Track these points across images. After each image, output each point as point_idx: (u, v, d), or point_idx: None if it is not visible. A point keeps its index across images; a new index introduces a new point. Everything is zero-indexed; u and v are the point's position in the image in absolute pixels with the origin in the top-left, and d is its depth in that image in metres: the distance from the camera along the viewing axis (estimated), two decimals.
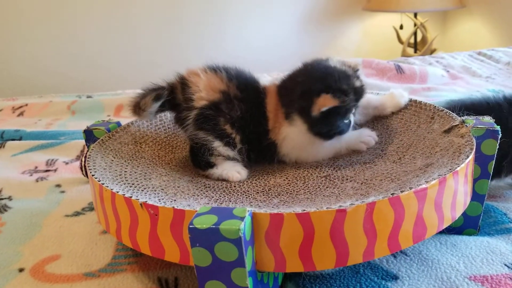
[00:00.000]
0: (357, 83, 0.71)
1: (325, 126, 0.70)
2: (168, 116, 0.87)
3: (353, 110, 0.73)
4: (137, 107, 0.73)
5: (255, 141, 0.73)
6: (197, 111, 0.71)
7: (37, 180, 1.00)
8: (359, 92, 0.71)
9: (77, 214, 0.84)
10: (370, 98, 0.80)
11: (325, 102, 0.67)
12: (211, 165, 0.73)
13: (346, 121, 0.71)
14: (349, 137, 0.75)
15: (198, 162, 0.74)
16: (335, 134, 0.72)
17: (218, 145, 0.72)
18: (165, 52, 2.56)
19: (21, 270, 0.68)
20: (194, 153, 0.74)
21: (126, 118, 1.23)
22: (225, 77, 0.72)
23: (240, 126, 0.72)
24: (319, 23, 2.81)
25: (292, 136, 0.73)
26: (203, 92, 0.71)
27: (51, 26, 2.43)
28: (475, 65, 1.73)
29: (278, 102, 0.73)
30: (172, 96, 0.74)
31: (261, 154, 0.75)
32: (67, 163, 1.08)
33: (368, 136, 0.77)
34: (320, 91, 0.68)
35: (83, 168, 0.95)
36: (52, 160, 1.10)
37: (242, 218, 0.46)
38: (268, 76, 1.85)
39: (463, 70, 1.69)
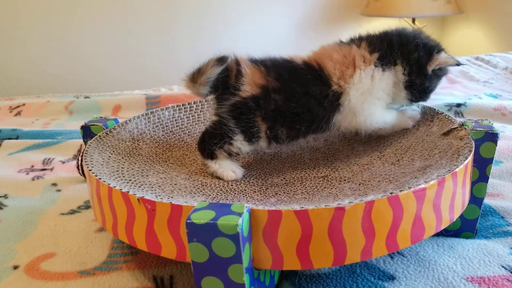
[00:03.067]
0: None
1: (428, 84, 0.76)
2: (166, 114, 0.87)
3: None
4: (196, 73, 0.71)
5: (305, 113, 0.72)
6: (239, 98, 0.71)
7: (33, 179, 1.00)
8: None
9: (72, 212, 0.84)
10: None
11: (447, 60, 0.74)
12: (213, 157, 0.72)
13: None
14: (397, 115, 0.78)
15: (203, 148, 0.73)
16: (424, 96, 0.77)
17: (239, 138, 0.72)
18: (161, 54, 2.56)
19: (15, 267, 0.68)
20: (206, 138, 0.73)
21: (123, 118, 1.23)
22: (264, 71, 0.72)
23: (272, 117, 0.71)
24: (317, 27, 2.82)
25: (375, 81, 0.73)
26: (248, 86, 0.71)
27: (49, 28, 2.43)
28: (473, 70, 1.74)
29: (354, 50, 0.75)
30: (227, 79, 0.72)
31: (315, 119, 0.73)
32: (63, 162, 1.08)
33: (413, 111, 0.79)
34: (440, 50, 0.75)
35: (80, 167, 0.95)
36: (49, 159, 1.10)
37: (240, 214, 0.46)
38: None
39: (460, 74, 1.69)
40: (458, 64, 0.76)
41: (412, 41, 0.75)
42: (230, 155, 0.73)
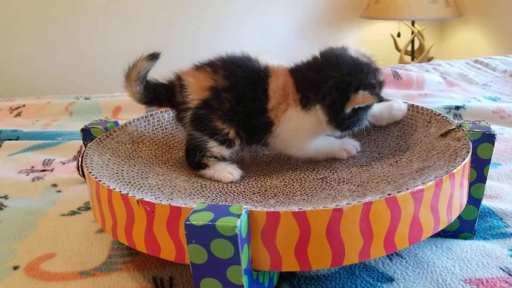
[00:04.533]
0: (381, 77, 0.72)
1: (352, 121, 0.70)
2: (165, 116, 0.88)
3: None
4: (130, 69, 0.73)
5: (247, 120, 0.72)
6: (192, 111, 0.72)
7: (33, 180, 1.00)
8: (382, 86, 0.72)
9: (73, 213, 0.84)
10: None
11: (364, 99, 0.67)
12: (203, 167, 0.73)
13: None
14: (333, 144, 0.77)
15: (190, 163, 0.74)
16: (353, 127, 0.72)
17: (213, 145, 0.72)
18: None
19: (15, 267, 0.68)
20: (188, 153, 0.74)
21: (123, 119, 1.24)
22: (210, 71, 0.72)
23: (232, 117, 0.71)
24: (317, 30, 2.82)
25: (301, 122, 0.71)
26: (194, 94, 0.71)
27: (49, 29, 2.43)
28: (472, 73, 1.74)
29: (289, 84, 0.72)
30: (171, 94, 0.74)
31: (250, 134, 0.73)
32: (63, 163, 1.08)
33: (351, 145, 0.77)
34: (358, 88, 0.67)
35: (80, 168, 0.95)
36: (49, 160, 1.10)
37: (238, 216, 0.46)
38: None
39: (459, 77, 1.70)
40: (381, 100, 0.69)
41: (319, 78, 0.69)
42: (217, 158, 0.73)
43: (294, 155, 0.76)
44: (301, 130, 0.72)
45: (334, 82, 0.68)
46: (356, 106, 0.68)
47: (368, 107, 0.71)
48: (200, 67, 0.73)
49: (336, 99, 0.68)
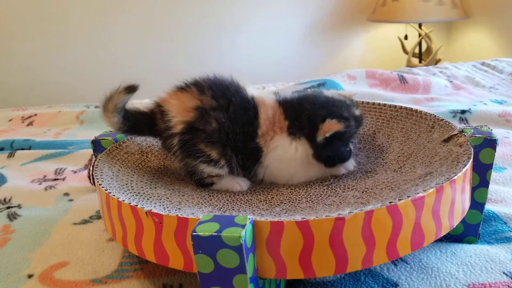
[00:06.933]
0: (356, 112, 0.74)
1: (329, 152, 0.71)
2: None
3: (353, 138, 0.75)
4: (106, 100, 0.73)
5: (240, 143, 0.71)
6: (178, 138, 0.70)
7: (46, 189, 1.02)
8: (358, 120, 0.74)
9: (85, 222, 0.86)
10: None
11: (330, 127, 0.69)
12: (208, 185, 0.73)
13: (347, 148, 0.73)
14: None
15: (195, 183, 0.74)
16: (338, 161, 0.73)
17: (204, 167, 0.71)
18: (171, 63, 2.59)
19: (30, 276, 0.70)
20: (189, 176, 0.74)
21: None
22: (195, 91, 0.71)
23: (218, 138, 0.69)
24: (324, 34, 2.83)
25: (287, 150, 0.72)
26: (178, 116, 0.70)
27: (60, 37, 2.46)
28: (479, 76, 1.74)
29: (278, 113, 0.73)
30: (152, 123, 0.73)
31: (244, 159, 0.72)
32: (75, 172, 1.11)
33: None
34: (325, 117, 0.70)
35: (91, 177, 0.97)
36: (61, 169, 1.13)
37: (243, 226, 0.47)
38: (273, 86, 1.87)
39: (466, 80, 1.70)
40: (347, 128, 0.70)
41: (301, 113, 0.72)
42: (218, 176, 0.73)
43: (286, 184, 0.75)
44: (287, 159, 0.72)
45: (307, 115, 0.71)
46: (328, 135, 0.70)
47: (343, 138, 0.72)
48: (183, 88, 0.72)
49: (310, 131, 0.71)
